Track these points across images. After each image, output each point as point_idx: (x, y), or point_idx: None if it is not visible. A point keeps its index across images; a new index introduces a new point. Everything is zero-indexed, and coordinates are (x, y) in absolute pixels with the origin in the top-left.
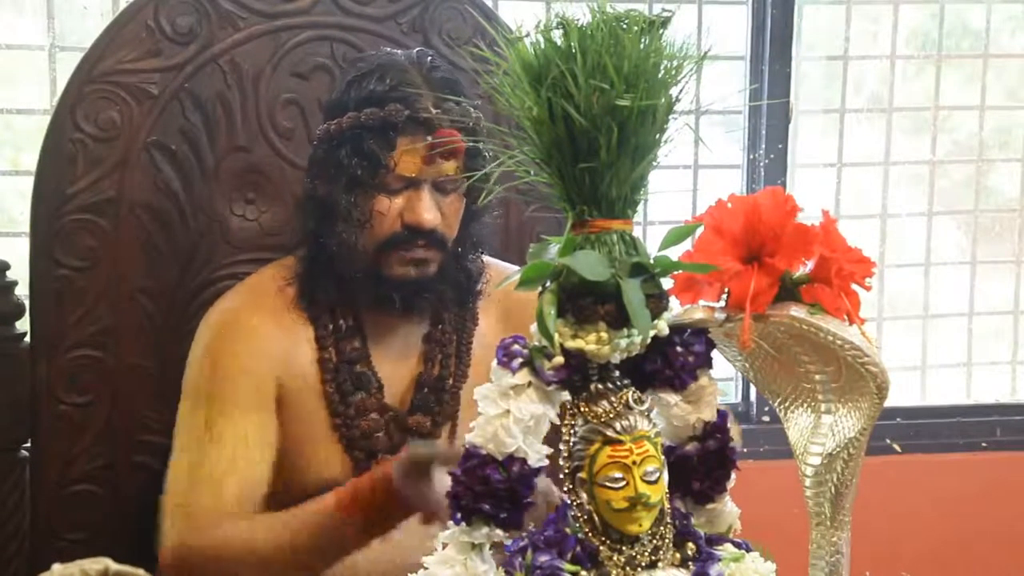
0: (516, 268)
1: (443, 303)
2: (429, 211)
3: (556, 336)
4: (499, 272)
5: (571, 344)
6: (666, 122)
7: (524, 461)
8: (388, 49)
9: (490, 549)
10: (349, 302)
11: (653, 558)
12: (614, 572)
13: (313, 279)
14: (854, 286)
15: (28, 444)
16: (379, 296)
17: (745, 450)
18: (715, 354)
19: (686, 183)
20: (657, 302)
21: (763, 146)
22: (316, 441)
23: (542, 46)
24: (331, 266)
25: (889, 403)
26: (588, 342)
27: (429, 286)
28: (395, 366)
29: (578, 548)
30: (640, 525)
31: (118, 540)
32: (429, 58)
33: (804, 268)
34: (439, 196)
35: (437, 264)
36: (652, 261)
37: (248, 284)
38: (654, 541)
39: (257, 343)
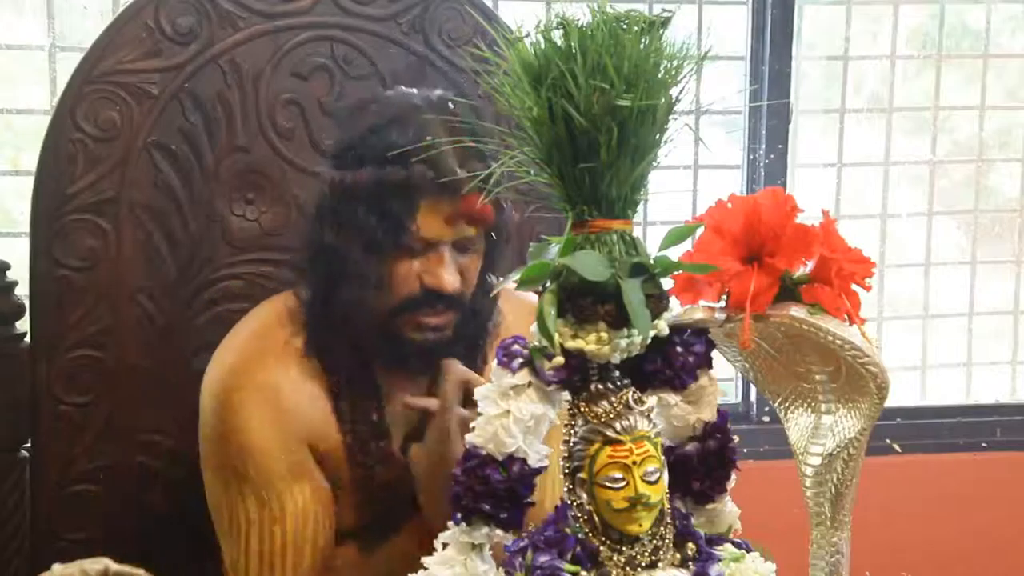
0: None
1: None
2: (450, 274)
3: (556, 336)
4: (517, 306)
5: (571, 344)
6: (666, 122)
7: (524, 461)
8: (404, 89)
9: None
10: (361, 354)
11: (653, 558)
12: (614, 572)
13: (323, 332)
14: (854, 286)
15: (28, 444)
16: (394, 357)
17: (745, 450)
18: (715, 354)
19: (686, 183)
20: (657, 302)
21: (763, 146)
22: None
23: (542, 46)
24: (342, 319)
25: (889, 403)
26: (588, 342)
27: (445, 349)
28: (404, 413)
29: (578, 548)
30: (640, 525)
31: (118, 540)
32: (451, 105)
33: (804, 268)
34: (458, 256)
35: (453, 326)
36: (652, 261)
37: (253, 332)
38: (654, 541)
39: (280, 411)
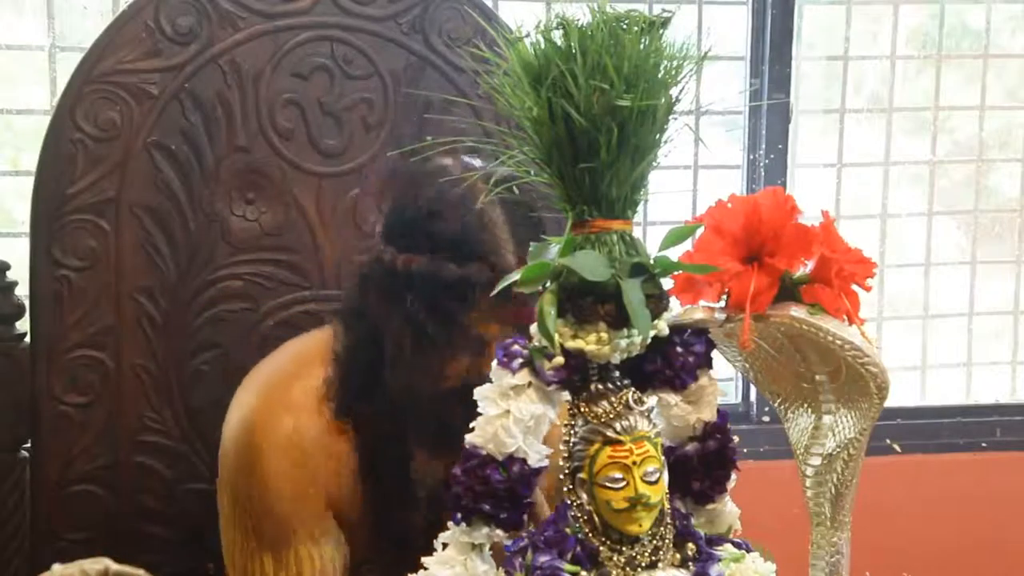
0: None
1: None
2: None
3: (556, 336)
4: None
5: (571, 344)
6: (666, 122)
7: (524, 461)
8: (466, 159)
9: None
10: (398, 430)
11: (653, 558)
12: (614, 572)
13: (359, 402)
14: (854, 287)
15: (28, 444)
16: (435, 441)
17: (745, 450)
18: (715, 354)
19: (686, 183)
20: (657, 302)
21: (763, 146)
22: (353, 547)
23: (542, 46)
24: (381, 398)
25: (889, 403)
26: (588, 342)
27: None
28: (436, 476)
29: (578, 548)
30: (640, 525)
31: (118, 540)
32: (516, 190)
33: (804, 268)
34: None
35: None
36: (652, 261)
37: (287, 373)
38: (654, 541)
39: (304, 473)
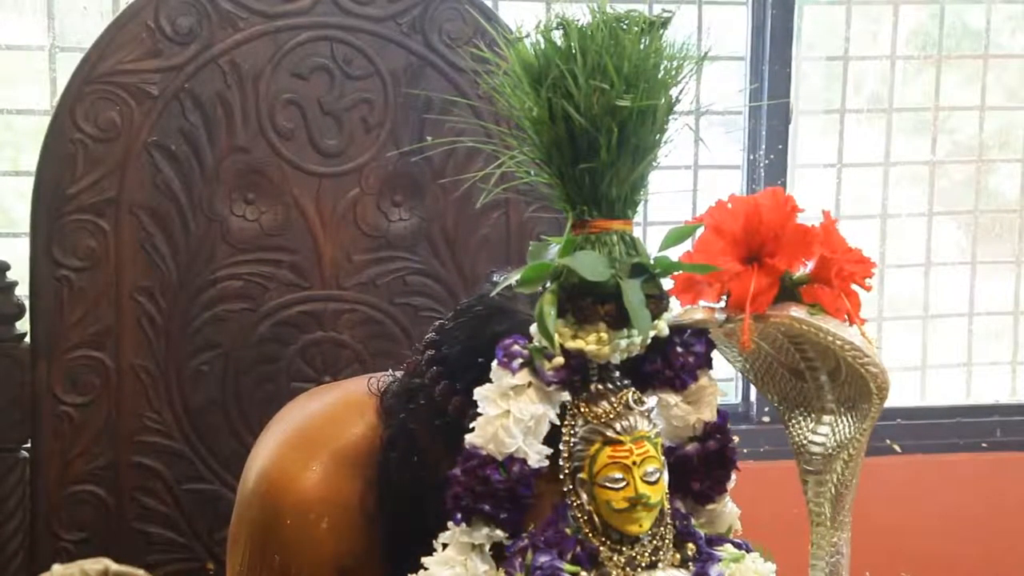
0: None
1: None
2: None
3: (556, 336)
4: None
5: (571, 344)
6: (666, 122)
7: (524, 461)
8: (516, 309)
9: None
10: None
11: (653, 559)
12: (614, 573)
13: (392, 497)
14: (854, 287)
15: (28, 444)
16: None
17: (745, 450)
18: (715, 354)
19: (686, 183)
20: (657, 303)
21: (763, 147)
22: None
23: (542, 46)
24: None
25: (889, 403)
26: (588, 342)
27: None
28: None
29: (578, 549)
30: (640, 526)
31: (118, 540)
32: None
33: (804, 268)
34: None
35: None
36: (652, 261)
37: (318, 424)
38: (654, 542)
39: (330, 547)
